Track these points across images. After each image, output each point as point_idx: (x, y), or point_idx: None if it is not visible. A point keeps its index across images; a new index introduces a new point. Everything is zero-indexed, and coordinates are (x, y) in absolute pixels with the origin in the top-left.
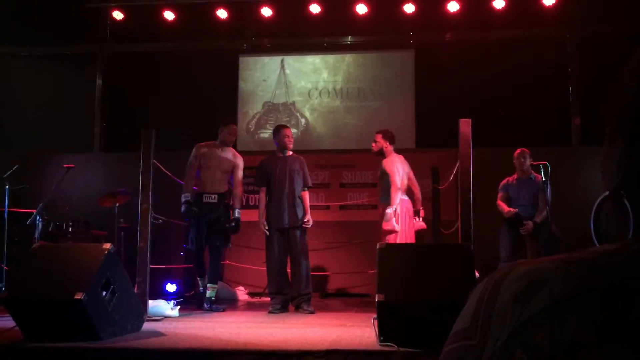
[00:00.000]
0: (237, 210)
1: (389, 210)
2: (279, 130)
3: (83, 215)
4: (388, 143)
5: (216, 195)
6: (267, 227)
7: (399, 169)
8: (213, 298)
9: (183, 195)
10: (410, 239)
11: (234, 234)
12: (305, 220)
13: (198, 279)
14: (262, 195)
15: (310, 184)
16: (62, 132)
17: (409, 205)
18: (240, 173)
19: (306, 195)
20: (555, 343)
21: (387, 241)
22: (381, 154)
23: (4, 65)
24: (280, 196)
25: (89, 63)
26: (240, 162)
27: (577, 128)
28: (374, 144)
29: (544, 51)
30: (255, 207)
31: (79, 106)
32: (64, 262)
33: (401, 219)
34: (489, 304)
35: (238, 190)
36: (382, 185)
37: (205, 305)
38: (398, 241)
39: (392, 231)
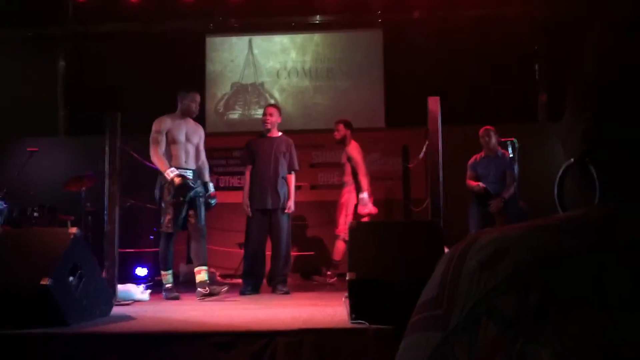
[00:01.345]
0: (212, 185)
1: (364, 195)
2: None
3: (49, 200)
4: (349, 131)
5: (192, 172)
6: (249, 208)
7: (363, 156)
8: (208, 281)
9: (169, 171)
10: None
11: (209, 210)
12: (287, 205)
13: (164, 272)
14: (247, 175)
15: (296, 167)
16: (26, 116)
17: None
18: (203, 144)
19: (291, 178)
20: (521, 309)
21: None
22: (343, 142)
23: None
24: (264, 177)
25: (51, 45)
26: (203, 132)
27: (544, 105)
28: (336, 133)
29: (512, 29)
30: (226, 188)
31: (42, 89)
32: (29, 248)
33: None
34: (455, 273)
35: (206, 163)
36: (346, 170)
37: (202, 290)
38: (343, 220)
39: (370, 214)
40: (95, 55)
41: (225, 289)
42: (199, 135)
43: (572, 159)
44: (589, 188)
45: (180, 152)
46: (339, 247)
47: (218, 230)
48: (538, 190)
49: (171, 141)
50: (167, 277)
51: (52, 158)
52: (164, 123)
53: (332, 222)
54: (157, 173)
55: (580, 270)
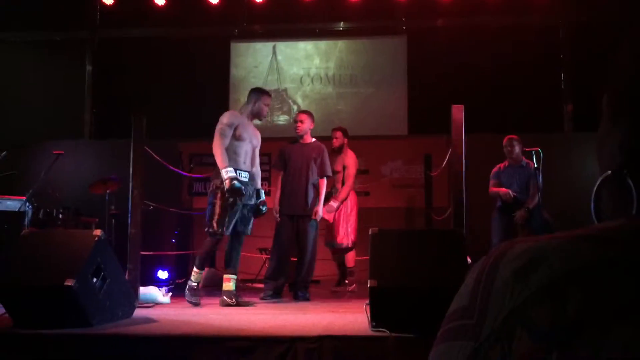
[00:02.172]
0: (263, 192)
1: (335, 205)
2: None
3: (73, 203)
4: (347, 140)
5: (247, 174)
6: (278, 214)
7: (357, 169)
8: (234, 291)
9: (227, 170)
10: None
11: (259, 217)
12: (314, 210)
13: (197, 271)
14: (279, 180)
15: (328, 173)
16: (52, 119)
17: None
18: (259, 150)
19: (323, 183)
20: (557, 320)
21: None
22: (340, 150)
23: None
24: (294, 183)
25: (78, 49)
26: (260, 138)
27: (569, 115)
28: (334, 140)
29: (537, 38)
30: None
31: (68, 93)
32: (54, 249)
33: (353, 210)
34: (488, 282)
35: (259, 170)
36: (339, 178)
37: (227, 299)
38: (344, 230)
39: (327, 221)
40: (122, 59)
41: (252, 305)
42: (258, 139)
43: (609, 171)
44: (626, 200)
45: (241, 151)
46: (349, 255)
47: None
48: (562, 201)
49: (236, 138)
50: (197, 276)
51: (77, 161)
52: (235, 117)
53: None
54: (212, 175)
55: (619, 281)
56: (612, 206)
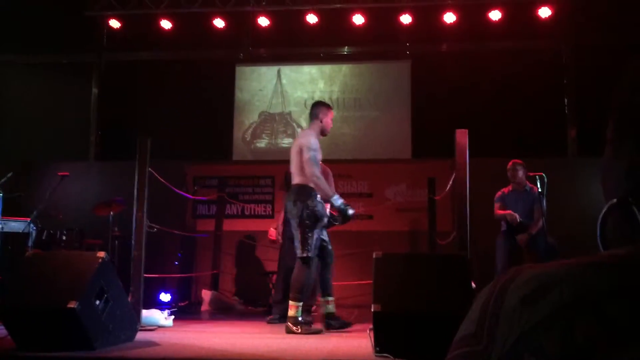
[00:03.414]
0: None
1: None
2: None
3: (77, 224)
4: None
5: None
6: (280, 236)
7: None
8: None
9: (335, 198)
10: None
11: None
12: None
13: (326, 298)
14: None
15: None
16: (58, 140)
17: None
18: None
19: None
20: (566, 347)
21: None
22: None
23: (0, 73)
24: None
25: (85, 71)
26: None
27: (573, 139)
28: None
29: (540, 62)
30: (251, 216)
31: (74, 115)
32: (57, 271)
33: None
34: (495, 308)
35: None
36: None
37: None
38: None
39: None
40: (128, 82)
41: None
42: None
43: (614, 200)
44: (632, 228)
45: (319, 173)
46: None
47: (241, 257)
48: (567, 225)
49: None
50: (331, 304)
51: (82, 182)
52: (317, 139)
53: (356, 254)
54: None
55: (628, 308)
56: (618, 234)
